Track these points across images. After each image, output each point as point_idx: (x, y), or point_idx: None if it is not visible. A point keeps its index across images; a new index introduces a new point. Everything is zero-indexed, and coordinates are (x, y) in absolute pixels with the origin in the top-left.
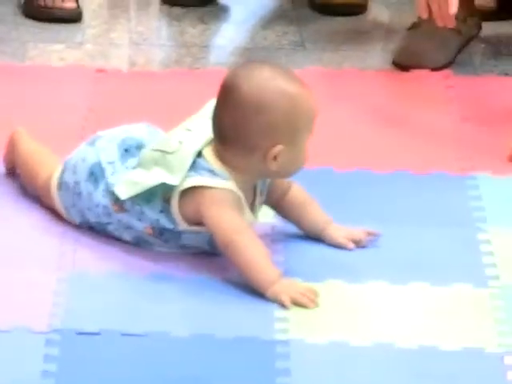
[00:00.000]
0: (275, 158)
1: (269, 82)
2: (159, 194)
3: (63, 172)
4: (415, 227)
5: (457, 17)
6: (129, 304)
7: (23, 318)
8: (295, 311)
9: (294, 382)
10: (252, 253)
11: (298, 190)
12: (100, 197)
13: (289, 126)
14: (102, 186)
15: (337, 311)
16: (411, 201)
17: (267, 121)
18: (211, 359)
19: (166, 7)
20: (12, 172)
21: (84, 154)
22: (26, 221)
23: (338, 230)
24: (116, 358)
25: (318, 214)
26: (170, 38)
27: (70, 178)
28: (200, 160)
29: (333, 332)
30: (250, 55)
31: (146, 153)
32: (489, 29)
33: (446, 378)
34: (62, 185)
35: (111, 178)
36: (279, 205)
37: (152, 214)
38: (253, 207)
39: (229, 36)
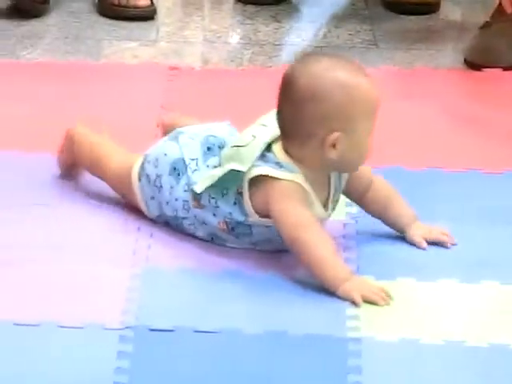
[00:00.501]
0: (334, 145)
1: (324, 72)
2: (233, 187)
3: (144, 164)
4: (486, 226)
5: None
6: (201, 301)
7: (97, 314)
8: (366, 309)
9: (366, 380)
10: (321, 250)
11: (381, 183)
12: (181, 191)
13: (344, 114)
14: (183, 181)
15: (407, 309)
16: (482, 200)
17: (321, 109)
18: (283, 356)
19: (239, 5)
20: (68, 173)
21: (166, 149)
22: (99, 219)
23: (417, 229)
24: (189, 355)
25: (402, 208)
26: (244, 36)
27: (151, 171)
28: (269, 153)
29: (404, 330)
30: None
31: (225, 151)
32: None
33: None
34: (142, 177)
35: (193, 174)
36: (363, 201)
37: (226, 207)
38: (326, 203)
39: (302, 34)
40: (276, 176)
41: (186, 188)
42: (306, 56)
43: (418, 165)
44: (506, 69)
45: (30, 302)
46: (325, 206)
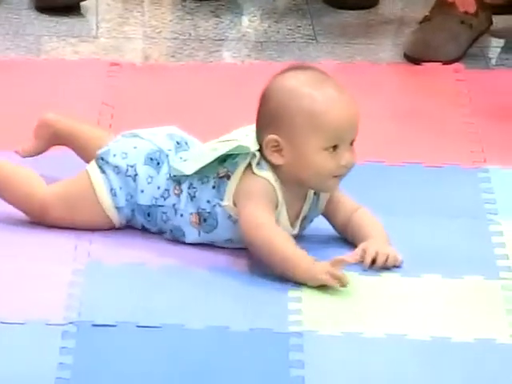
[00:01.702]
0: (279, 151)
1: (285, 79)
2: (213, 173)
3: (106, 158)
4: (427, 219)
5: (468, 11)
6: (144, 296)
7: (39, 310)
8: (309, 303)
9: (308, 374)
10: (281, 246)
11: (361, 214)
12: (163, 180)
13: (282, 118)
14: (164, 170)
15: (349, 303)
16: (422, 193)
17: (265, 109)
18: (225, 351)
19: (179, 1)
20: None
21: (133, 143)
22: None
23: (371, 244)
24: (131, 350)
25: (374, 234)
26: (184, 32)
27: (120, 163)
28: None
29: (345, 324)
30: (263, 49)
31: (203, 146)
32: (500, 23)
33: (457, 369)
34: (108, 169)
35: (174, 164)
36: (345, 230)
37: (203, 194)
38: (295, 219)
39: (242, 30)
40: (255, 171)
41: (168, 176)
42: (291, 68)
43: (358, 159)
44: (445, 63)
45: None
46: (293, 222)
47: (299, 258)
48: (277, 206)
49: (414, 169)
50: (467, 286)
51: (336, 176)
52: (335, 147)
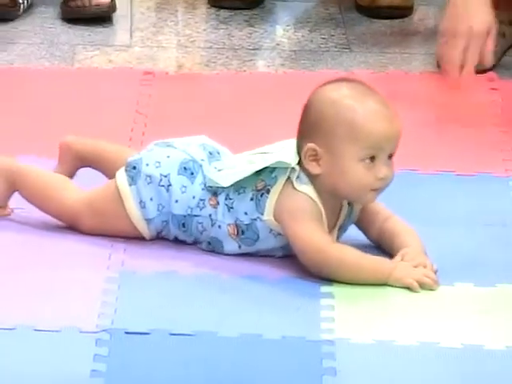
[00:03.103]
0: (316, 161)
1: (328, 90)
2: (251, 185)
3: (138, 167)
4: (459, 227)
5: (503, 20)
6: (177, 304)
7: (73, 317)
8: (341, 311)
9: (340, 381)
10: (352, 257)
11: (395, 222)
12: (198, 190)
13: (323, 128)
14: (199, 180)
15: (382, 311)
16: (455, 201)
17: (306, 118)
18: (258, 359)
19: (213, 10)
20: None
21: (166, 152)
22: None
23: (407, 254)
24: (164, 358)
25: (409, 242)
26: (218, 41)
27: (153, 172)
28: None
29: (378, 332)
30: (297, 58)
31: (237, 157)
32: None
33: (489, 377)
34: (138, 179)
35: (208, 174)
36: (379, 238)
37: (241, 206)
38: (333, 230)
39: (275, 39)
40: (295, 186)
41: (203, 186)
42: (337, 80)
43: (395, 167)
44: (478, 72)
45: (6, 306)
46: (330, 233)
47: (378, 265)
48: (322, 217)
49: (446, 177)
50: (500, 294)
51: (373, 189)
52: (372, 159)
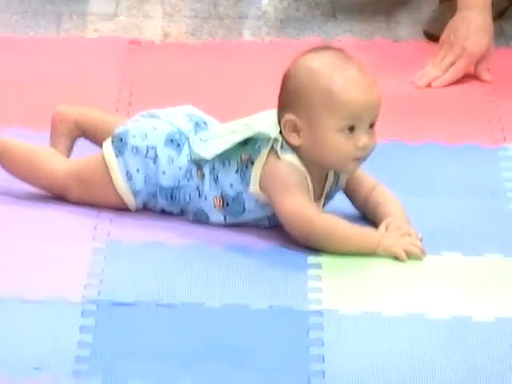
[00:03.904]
0: (297, 132)
1: (307, 59)
2: (235, 157)
3: (124, 139)
4: (447, 198)
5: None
6: (164, 274)
7: (59, 288)
8: (328, 281)
9: (328, 352)
10: (341, 228)
11: (380, 190)
12: (185, 161)
13: (301, 98)
14: (185, 151)
15: (368, 281)
16: (442, 172)
17: (285, 89)
18: (244, 329)
19: None
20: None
21: (152, 124)
22: (60, 198)
23: (392, 223)
24: (151, 329)
25: (393, 212)
26: (203, 10)
27: (140, 144)
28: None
29: (365, 302)
30: (283, 26)
31: (222, 126)
32: None
33: (478, 347)
34: (125, 151)
35: (194, 145)
36: (364, 207)
37: (226, 178)
38: (320, 198)
39: (261, 8)
40: (279, 155)
41: (189, 158)
42: (315, 49)
43: (378, 137)
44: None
45: None
46: (316, 201)
47: (366, 235)
48: (308, 185)
49: (433, 147)
50: (487, 264)
51: (354, 158)
52: (352, 129)
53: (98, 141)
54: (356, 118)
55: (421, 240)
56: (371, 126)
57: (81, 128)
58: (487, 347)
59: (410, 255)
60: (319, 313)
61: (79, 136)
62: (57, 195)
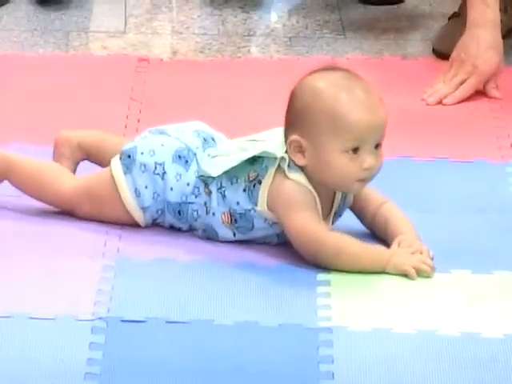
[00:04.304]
0: (302, 152)
1: (314, 79)
2: (243, 175)
3: (132, 156)
4: (455, 214)
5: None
6: (173, 292)
7: (69, 305)
8: (338, 299)
9: (338, 369)
10: (350, 246)
11: (389, 207)
12: (193, 177)
13: (305, 118)
14: (193, 168)
15: (379, 299)
16: (451, 188)
17: (290, 110)
18: (255, 347)
19: None
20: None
21: (160, 140)
22: (70, 214)
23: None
24: (161, 346)
25: (403, 231)
26: (212, 27)
27: (148, 160)
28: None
29: (375, 319)
30: (292, 44)
31: (231, 143)
32: None
33: (487, 365)
34: (134, 168)
35: (202, 162)
36: (373, 224)
37: (234, 195)
38: (327, 217)
39: (270, 25)
40: (287, 174)
41: (197, 174)
42: (322, 68)
43: (387, 154)
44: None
45: (2, 294)
46: (325, 220)
47: (376, 253)
48: (316, 203)
49: (442, 164)
50: (497, 282)
51: (359, 180)
52: (356, 150)
53: (102, 163)
54: (360, 139)
55: (432, 258)
56: (377, 146)
57: (84, 151)
58: (496, 364)
59: (419, 273)
60: (329, 330)
61: (82, 159)
62: (65, 211)
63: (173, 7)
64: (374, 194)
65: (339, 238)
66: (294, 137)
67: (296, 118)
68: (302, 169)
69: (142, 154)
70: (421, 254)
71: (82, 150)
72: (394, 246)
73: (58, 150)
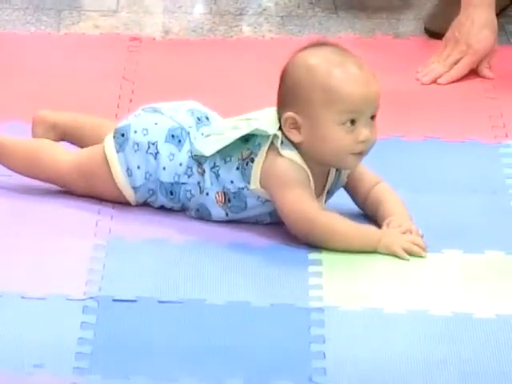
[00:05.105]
0: (297, 128)
1: (306, 55)
2: (236, 153)
3: (126, 134)
4: (448, 194)
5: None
6: (165, 271)
7: (60, 285)
8: (329, 278)
9: (329, 349)
10: (341, 226)
11: (381, 188)
12: (186, 157)
13: (299, 94)
14: (186, 147)
15: (370, 278)
16: (443, 168)
17: (284, 86)
18: (247, 327)
19: None
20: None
21: (154, 119)
22: (61, 191)
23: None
24: (152, 326)
25: (394, 211)
26: (204, 6)
27: (141, 139)
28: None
29: (366, 299)
30: (284, 23)
31: (224, 121)
32: None
33: (479, 345)
34: (126, 147)
35: (195, 141)
36: (365, 204)
37: (227, 174)
38: (321, 194)
39: (262, 4)
40: (280, 151)
41: (190, 154)
42: (312, 45)
43: (380, 133)
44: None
45: None
46: (317, 198)
47: (367, 233)
48: (310, 182)
49: (434, 143)
50: (488, 261)
51: (355, 153)
52: (352, 122)
53: (78, 143)
54: (356, 111)
55: (422, 237)
56: (372, 117)
57: (59, 130)
58: (488, 344)
59: (411, 253)
60: (320, 310)
61: (58, 139)
62: (60, 186)
63: None
64: (367, 174)
65: (331, 217)
66: (288, 114)
67: (290, 94)
68: (296, 146)
69: (136, 132)
70: (410, 233)
71: (57, 129)
72: (384, 226)
73: (34, 129)
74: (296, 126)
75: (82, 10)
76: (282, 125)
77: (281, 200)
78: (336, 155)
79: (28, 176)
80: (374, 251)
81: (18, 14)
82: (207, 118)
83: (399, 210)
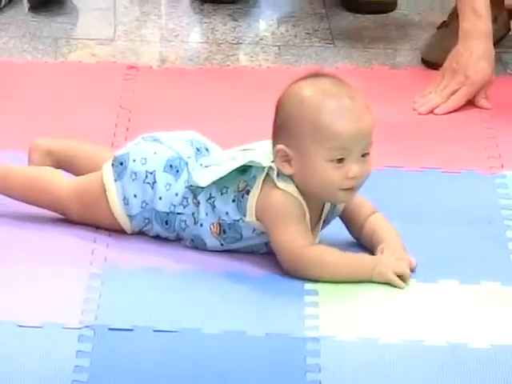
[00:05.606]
0: (286, 160)
1: (297, 87)
2: (233, 185)
3: (123, 164)
4: (444, 225)
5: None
6: (161, 300)
7: (56, 313)
8: (326, 308)
9: (325, 378)
10: (331, 256)
11: (376, 219)
12: (182, 187)
13: (289, 128)
14: (183, 177)
15: (366, 308)
16: (440, 198)
17: (278, 118)
18: (242, 356)
19: (196, 4)
20: None
21: (153, 148)
22: (57, 219)
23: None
24: (148, 354)
25: (388, 239)
26: (201, 35)
27: (139, 169)
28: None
29: (362, 329)
30: (281, 53)
31: (223, 153)
32: None
33: (474, 375)
34: (124, 175)
35: (193, 171)
36: (360, 234)
37: (223, 206)
38: (315, 225)
39: (259, 33)
40: (277, 184)
41: (187, 184)
42: (307, 76)
43: (376, 163)
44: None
45: None
46: (313, 229)
47: (359, 263)
48: (305, 218)
49: (431, 174)
50: (484, 292)
51: (344, 189)
52: (341, 160)
53: (72, 171)
54: (345, 149)
55: (415, 267)
56: (364, 155)
57: (54, 158)
58: (483, 374)
59: (403, 279)
60: (316, 339)
61: (55, 166)
62: (59, 212)
63: (162, 15)
64: (364, 204)
65: (319, 249)
66: (279, 146)
67: (282, 127)
68: (292, 178)
69: (134, 161)
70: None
71: (52, 156)
72: (378, 254)
73: (30, 157)
74: (287, 159)
75: (79, 38)
76: (274, 157)
77: (274, 235)
78: (326, 190)
79: (26, 202)
80: (368, 280)
81: (14, 42)
82: (207, 149)
83: (392, 238)
